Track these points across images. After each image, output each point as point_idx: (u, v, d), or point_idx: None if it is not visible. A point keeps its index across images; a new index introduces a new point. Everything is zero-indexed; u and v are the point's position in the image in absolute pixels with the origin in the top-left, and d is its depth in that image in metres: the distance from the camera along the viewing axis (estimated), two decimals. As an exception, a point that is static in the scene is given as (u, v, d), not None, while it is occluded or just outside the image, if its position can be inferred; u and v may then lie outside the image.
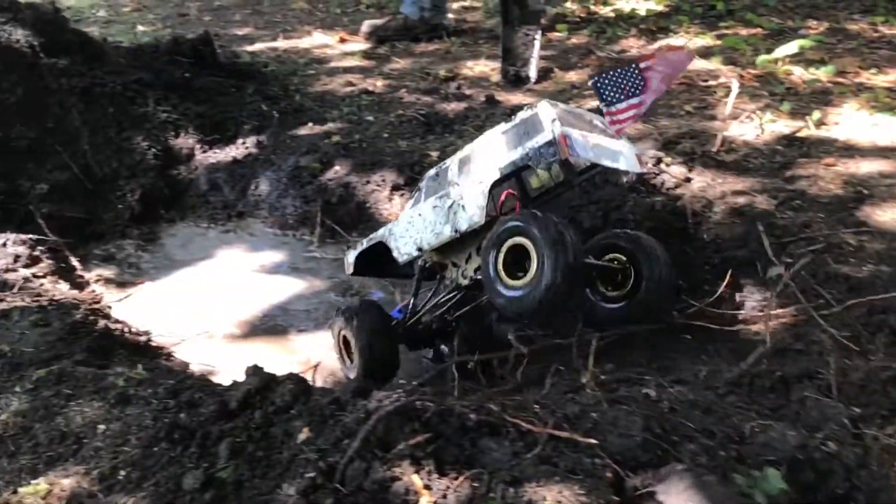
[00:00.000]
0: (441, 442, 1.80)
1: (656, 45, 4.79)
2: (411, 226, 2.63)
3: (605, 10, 5.62)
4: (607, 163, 2.39)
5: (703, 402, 2.06)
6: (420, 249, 2.61)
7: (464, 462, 1.77)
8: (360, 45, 5.33)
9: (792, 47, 4.07)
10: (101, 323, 2.67)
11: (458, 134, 3.80)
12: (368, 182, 3.53)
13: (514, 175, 2.41)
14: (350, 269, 2.89)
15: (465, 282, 2.60)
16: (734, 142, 3.35)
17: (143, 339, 2.78)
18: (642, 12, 5.44)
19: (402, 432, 1.81)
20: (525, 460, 1.74)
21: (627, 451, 1.76)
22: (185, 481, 1.85)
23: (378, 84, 4.56)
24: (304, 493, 1.70)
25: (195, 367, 2.74)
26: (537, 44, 4.37)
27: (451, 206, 2.50)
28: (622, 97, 2.36)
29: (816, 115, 3.42)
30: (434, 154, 3.54)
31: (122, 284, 3.33)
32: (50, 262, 3.15)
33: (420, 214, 2.60)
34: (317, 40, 5.48)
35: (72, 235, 3.49)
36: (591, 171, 2.56)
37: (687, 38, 4.81)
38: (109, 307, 3.00)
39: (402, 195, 3.48)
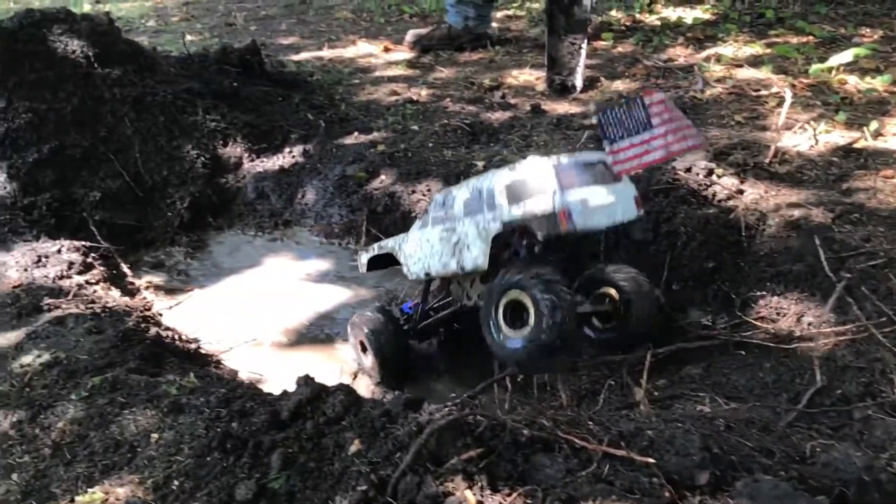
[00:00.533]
0: (493, 457, 1.78)
1: (704, 53, 4.72)
2: (420, 249, 2.69)
3: (651, 19, 5.56)
4: (604, 224, 2.36)
5: (761, 421, 2.02)
6: (427, 274, 2.68)
7: (517, 478, 1.74)
8: (404, 54, 5.35)
9: (846, 56, 3.98)
10: (153, 330, 2.70)
11: (504, 143, 3.78)
12: (414, 191, 3.53)
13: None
14: (363, 269, 3.01)
15: (469, 303, 2.67)
16: (787, 153, 3.28)
17: (192, 346, 2.82)
18: (689, 20, 5.37)
19: (454, 446, 1.79)
20: (579, 478, 1.71)
21: (685, 471, 1.72)
22: (238, 492, 1.86)
23: (422, 93, 4.57)
24: (357, 506, 1.70)
25: (244, 376, 2.76)
26: (583, 53, 4.33)
27: (456, 243, 2.53)
28: (624, 134, 2.29)
29: (874, 125, 3.33)
30: (480, 164, 3.52)
31: (171, 291, 3.37)
32: (102, 268, 3.21)
33: (428, 240, 2.64)
34: (361, 50, 5.51)
35: (123, 242, 3.55)
36: None
37: (736, 47, 4.73)
38: (160, 314, 3.04)
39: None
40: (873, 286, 2.40)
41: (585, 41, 4.34)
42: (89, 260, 3.18)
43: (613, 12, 5.77)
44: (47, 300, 2.77)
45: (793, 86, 3.94)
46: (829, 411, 2.05)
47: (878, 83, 3.86)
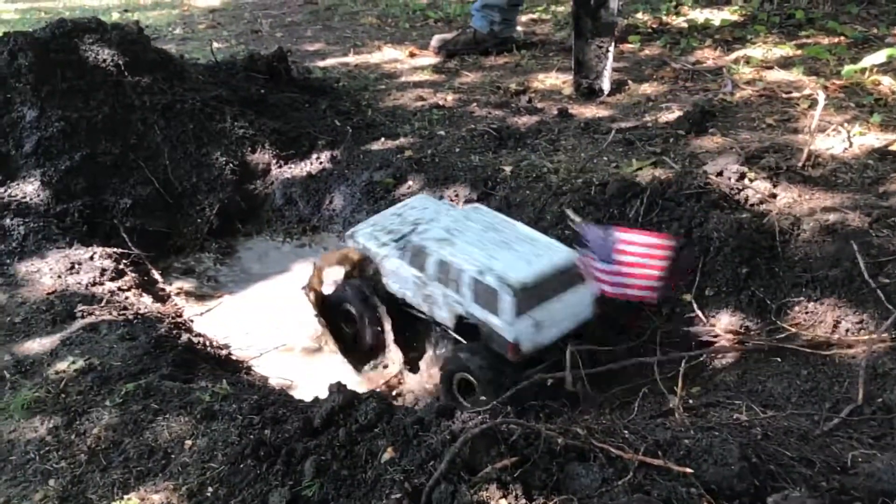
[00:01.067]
0: (528, 466, 1.76)
1: (733, 55, 4.67)
2: (398, 276, 2.79)
3: (678, 21, 5.51)
4: (554, 337, 2.50)
5: (799, 429, 1.98)
6: (403, 298, 2.82)
7: (552, 487, 1.73)
8: (429, 59, 5.35)
9: (880, 56, 3.90)
10: (184, 337, 2.72)
11: (531, 148, 3.76)
12: (441, 197, 3.52)
13: None
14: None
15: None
16: (821, 156, 3.23)
17: (224, 352, 2.83)
18: (717, 22, 5.31)
19: (488, 455, 1.78)
20: (616, 487, 1.69)
21: (723, 481, 1.69)
22: (272, 499, 1.86)
23: (448, 98, 4.56)
24: (391, 515, 1.69)
25: (274, 382, 2.77)
26: (610, 56, 4.30)
27: (428, 296, 2.68)
28: (594, 253, 2.31)
29: (910, 127, 3.27)
30: (507, 169, 3.51)
31: (201, 297, 3.39)
32: (134, 275, 3.24)
33: (405, 276, 2.75)
34: (387, 55, 5.52)
35: (153, 249, 3.58)
36: None
37: (765, 49, 4.67)
38: (191, 320, 3.06)
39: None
40: (913, 292, 2.35)
41: (612, 44, 4.31)
42: (121, 266, 3.21)
43: (639, 15, 5.73)
44: (81, 307, 2.80)
45: (825, 87, 3.89)
46: (869, 420, 2.01)
47: (914, 84, 3.80)
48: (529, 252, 2.52)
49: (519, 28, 5.47)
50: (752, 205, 2.95)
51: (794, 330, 2.44)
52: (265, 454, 1.97)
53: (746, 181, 3.05)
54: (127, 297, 3.00)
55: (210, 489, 1.91)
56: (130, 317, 2.77)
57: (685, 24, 5.40)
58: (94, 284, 3.01)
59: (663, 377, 2.45)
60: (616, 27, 4.39)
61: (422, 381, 2.80)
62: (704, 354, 2.46)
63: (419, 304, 2.74)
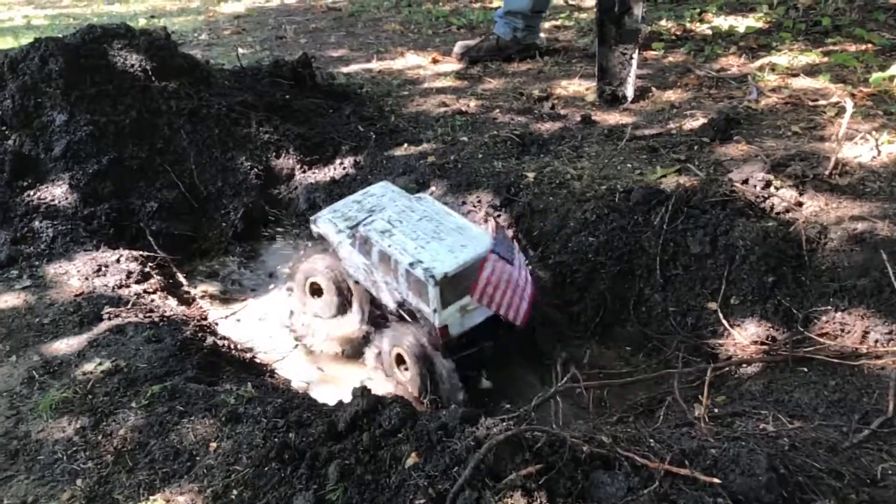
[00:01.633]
0: (553, 474, 1.76)
1: (758, 62, 4.63)
2: (351, 260, 2.97)
3: (702, 28, 5.48)
4: (481, 319, 2.71)
5: (828, 441, 1.96)
6: (357, 282, 3.00)
7: (577, 495, 1.72)
8: (452, 65, 5.36)
9: (908, 64, 3.87)
10: (209, 339, 2.74)
11: (555, 154, 3.75)
12: (464, 203, 3.53)
13: None
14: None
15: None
16: (848, 164, 3.19)
17: (248, 355, 2.85)
18: (741, 29, 5.27)
19: (513, 462, 1.78)
20: (641, 496, 1.68)
21: (751, 492, 1.67)
22: (296, 503, 1.87)
23: (471, 104, 4.57)
24: (416, 520, 1.69)
25: (297, 385, 2.78)
26: (634, 63, 4.29)
27: (374, 282, 2.88)
28: (505, 254, 2.51)
29: (940, 135, 3.23)
30: (531, 175, 3.51)
31: (225, 300, 3.42)
32: (159, 278, 3.27)
33: (356, 262, 2.93)
34: (410, 61, 5.54)
35: (178, 252, 3.61)
36: None
37: (791, 56, 4.63)
38: (216, 323, 3.09)
39: (498, 216, 3.46)
40: (944, 302, 2.32)
41: (636, 51, 4.30)
42: (147, 269, 3.24)
43: (663, 22, 5.71)
44: (108, 309, 2.83)
45: (852, 95, 3.85)
46: (899, 432, 1.98)
47: (943, 92, 3.75)
48: (456, 243, 2.69)
49: (542, 35, 5.46)
50: (777, 213, 2.92)
51: (821, 340, 2.42)
52: (289, 457, 1.98)
53: (772, 189, 3.02)
54: (153, 300, 3.03)
55: (235, 492, 1.92)
56: (156, 319, 2.80)
57: (709, 32, 5.37)
58: (120, 287, 3.05)
59: (687, 386, 2.44)
60: (640, 34, 4.37)
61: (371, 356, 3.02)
62: (729, 367, 2.44)
63: (370, 288, 2.94)
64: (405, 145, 4.10)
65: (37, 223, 3.42)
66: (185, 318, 2.88)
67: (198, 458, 2.07)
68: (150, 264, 3.31)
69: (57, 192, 3.59)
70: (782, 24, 5.23)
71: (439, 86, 4.99)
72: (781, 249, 2.74)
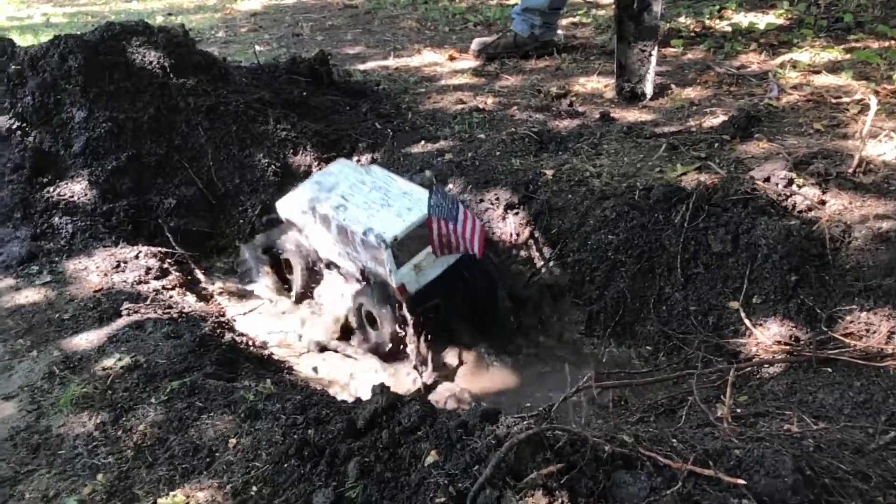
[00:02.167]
0: (574, 473, 1.74)
1: (779, 59, 4.58)
2: (315, 237, 3.25)
3: (722, 25, 5.43)
4: (437, 274, 3.00)
5: (853, 442, 1.93)
6: (328, 258, 3.28)
7: (598, 495, 1.70)
8: (469, 62, 5.34)
9: (933, 61, 3.81)
10: (228, 336, 2.74)
11: (573, 152, 3.73)
12: (482, 200, 3.51)
13: None
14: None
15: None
16: (872, 162, 3.15)
17: (265, 352, 2.85)
18: (762, 26, 5.22)
19: (534, 461, 1.76)
20: (664, 497, 1.66)
21: (776, 494, 1.65)
22: (315, 500, 1.86)
23: (489, 101, 4.55)
24: (436, 519, 1.68)
25: (315, 382, 2.78)
26: (653, 59, 4.25)
27: (338, 253, 3.16)
28: (442, 213, 2.77)
29: (966, 133, 3.18)
30: (549, 172, 3.48)
31: (242, 297, 3.42)
32: (178, 274, 3.28)
33: (319, 237, 3.22)
34: (426, 58, 5.53)
35: (196, 249, 3.62)
36: None
37: (812, 53, 4.58)
38: (234, 320, 3.09)
39: (515, 213, 3.44)
40: (972, 303, 2.28)
41: (655, 48, 4.26)
42: (165, 266, 3.25)
43: (682, 19, 5.66)
44: (126, 305, 2.84)
45: (876, 92, 3.80)
46: (926, 434, 1.95)
47: (969, 89, 3.69)
48: (403, 207, 2.96)
49: (559, 32, 5.44)
50: (800, 211, 2.89)
51: (846, 340, 2.38)
52: (309, 454, 1.97)
53: (794, 187, 2.99)
54: (171, 296, 3.04)
55: (254, 488, 1.92)
56: (175, 315, 2.80)
57: (729, 28, 5.32)
58: (139, 283, 3.06)
59: (709, 386, 2.41)
60: (659, 31, 4.34)
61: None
62: (751, 367, 2.41)
63: (335, 259, 3.22)
64: (422, 142, 4.09)
65: (56, 219, 3.44)
66: (203, 314, 2.88)
67: (217, 455, 2.07)
68: (168, 261, 3.33)
69: (76, 189, 3.61)
70: (803, 21, 5.17)
71: (456, 83, 4.98)
72: (804, 248, 2.70)
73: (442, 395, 2.83)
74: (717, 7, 5.74)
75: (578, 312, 3.03)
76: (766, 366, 2.43)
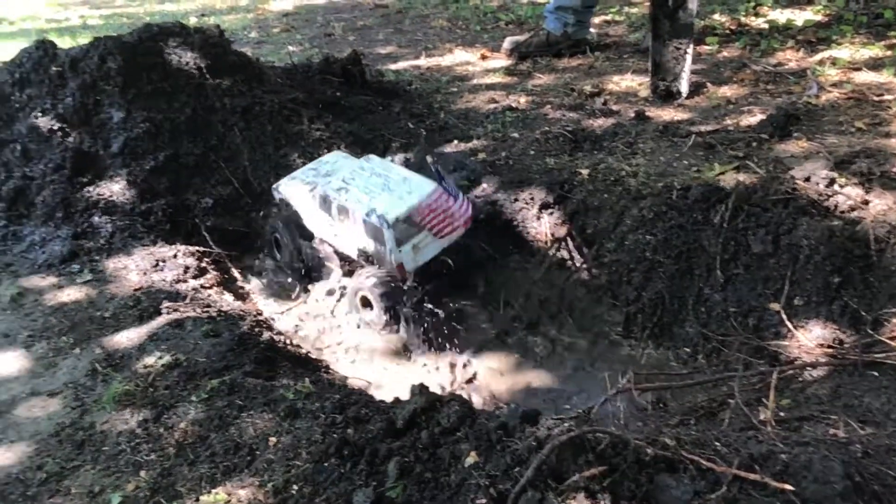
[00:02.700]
0: (616, 476, 1.73)
1: (817, 57, 4.51)
2: (313, 219, 3.38)
3: (758, 22, 5.36)
4: (434, 254, 3.18)
5: (902, 448, 1.89)
6: (322, 239, 3.42)
7: (641, 498, 1.68)
8: (501, 61, 5.33)
9: (979, 57, 3.73)
10: (266, 334, 2.76)
11: (608, 151, 3.70)
12: (517, 200, 3.50)
13: None
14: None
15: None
16: (917, 161, 3.09)
17: (303, 351, 2.86)
18: (799, 23, 5.14)
19: (575, 463, 1.75)
20: (708, 501, 1.64)
21: (825, 500, 1.62)
22: (356, 499, 1.87)
23: (521, 100, 4.53)
24: (478, 520, 1.68)
25: (352, 381, 2.79)
26: (688, 58, 4.21)
27: (336, 235, 3.29)
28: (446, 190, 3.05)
29: None
30: (584, 172, 3.46)
31: (278, 296, 3.44)
32: (215, 273, 3.31)
33: (319, 220, 3.34)
34: (458, 58, 5.52)
35: (232, 248, 3.65)
36: None
37: (852, 49, 4.50)
38: (272, 318, 3.11)
39: (550, 213, 3.43)
40: None
41: (691, 46, 4.21)
42: (203, 264, 3.28)
43: (717, 16, 5.59)
44: (166, 303, 2.87)
45: (919, 90, 3.72)
46: (978, 440, 1.90)
47: None
48: (403, 191, 3.10)
49: (592, 30, 5.40)
50: (842, 212, 2.84)
51: (893, 343, 2.33)
52: (349, 453, 1.98)
53: (836, 187, 2.94)
54: (209, 295, 3.07)
55: (295, 487, 1.93)
56: (213, 314, 2.83)
57: (765, 25, 5.25)
58: (177, 281, 3.09)
59: (750, 388, 2.38)
60: (694, 28, 4.29)
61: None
62: (794, 369, 2.37)
63: (332, 240, 3.34)
64: (455, 142, 4.09)
65: (96, 218, 3.49)
66: (241, 312, 2.90)
67: (258, 453, 2.08)
68: (205, 260, 3.35)
69: (115, 189, 3.66)
70: (842, 17, 5.08)
71: (488, 82, 4.97)
72: (848, 249, 2.65)
73: (477, 395, 2.82)
74: (753, 4, 5.66)
75: (615, 313, 3.00)
76: (809, 369, 2.39)
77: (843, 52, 4.51)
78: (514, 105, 4.47)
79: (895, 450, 1.86)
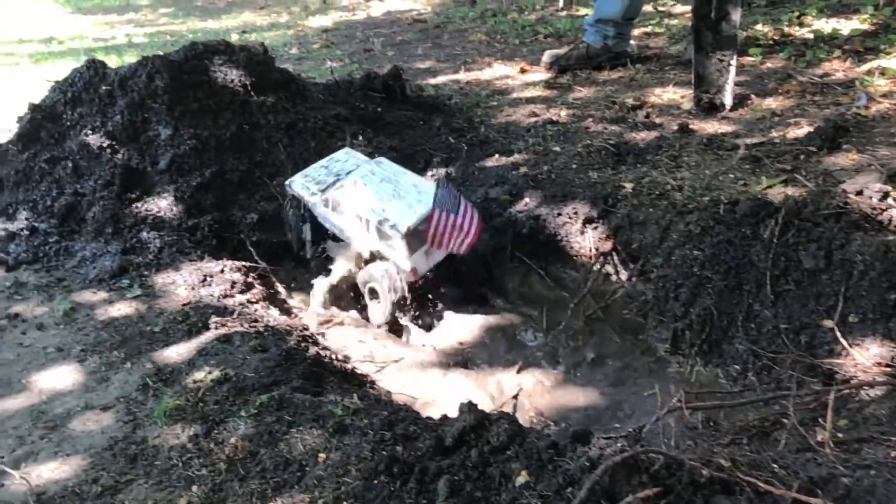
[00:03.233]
0: (671, 498, 1.70)
1: (865, 66, 4.43)
2: (325, 218, 3.50)
3: (802, 32, 5.28)
4: (441, 257, 3.29)
5: (968, 472, 1.83)
6: (334, 234, 3.56)
7: (697, 521, 1.66)
8: (541, 75, 5.33)
9: None
10: (312, 349, 2.78)
11: (652, 164, 3.67)
12: (560, 214, 3.48)
13: None
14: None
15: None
16: (973, 174, 3.01)
17: (348, 366, 2.87)
18: (845, 32, 5.06)
19: (629, 484, 1.72)
20: (767, 526, 1.61)
21: (890, 526, 1.58)
22: (407, 517, 1.87)
23: (562, 114, 4.52)
24: (532, 542, 1.66)
25: (398, 397, 2.79)
26: (732, 69, 4.17)
27: (348, 236, 3.43)
28: (446, 207, 3.02)
29: None
30: (628, 185, 3.44)
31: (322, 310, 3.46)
32: (261, 288, 3.35)
33: (330, 218, 3.47)
34: (497, 72, 5.54)
35: (276, 263, 3.69)
36: None
37: (901, 59, 4.41)
38: (319, 334, 3.13)
39: (594, 228, 3.40)
40: None
41: (734, 57, 4.17)
42: (249, 279, 3.32)
43: (759, 26, 5.53)
44: (214, 318, 2.91)
45: (973, 100, 3.63)
46: None
47: None
48: (413, 199, 3.20)
49: (632, 42, 5.37)
50: (896, 226, 2.77)
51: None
52: (399, 471, 1.98)
53: (890, 200, 2.87)
54: (256, 310, 3.10)
55: (345, 503, 1.93)
56: (261, 329, 2.85)
57: (810, 35, 5.17)
58: (225, 296, 3.13)
59: (803, 408, 2.32)
60: (737, 40, 4.24)
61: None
62: (852, 389, 2.31)
63: (343, 238, 3.48)
64: (496, 156, 4.09)
65: (145, 234, 3.56)
66: (287, 327, 2.93)
67: (307, 469, 2.09)
68: (251, 274, 3.39)
69: (163, 204, 3.72)
70: (890, 26, 4.99)
71: (528, 95, 4.97)
72: (904, 265, 2.58)
73: (522, 412, 2.80)
74: (797, 14, 5.59)
75: (662, 329, 2.96)
76: (866, 388, 2.33)
77: (893, 61, 4.42)
78: (554, 118, 4.46)
79: (961, 474, 1.80)
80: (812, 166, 3.36)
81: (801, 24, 5.43)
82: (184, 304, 3.05)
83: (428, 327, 3.39)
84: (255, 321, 2.92)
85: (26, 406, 2.55)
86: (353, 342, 3.17)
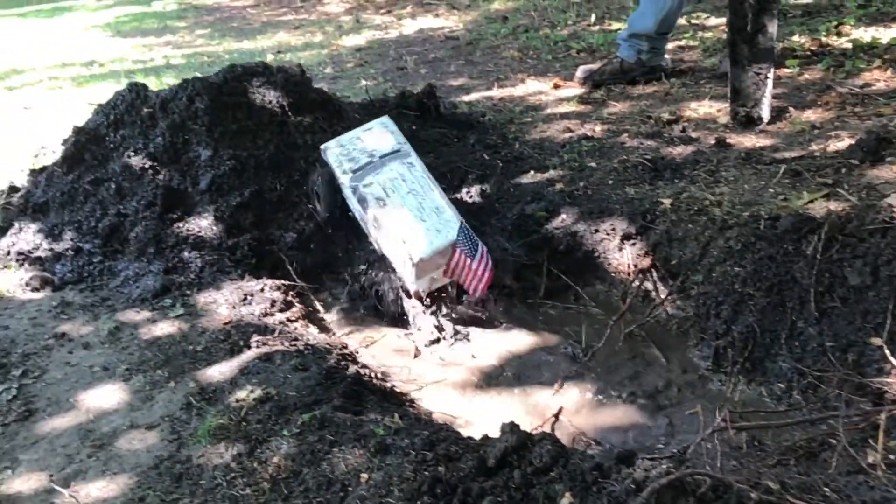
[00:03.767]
0: (719, 521, 1.68)
1: (907, 77, 4.35)
2: (350, 202, 3.66)
3: (840, 42, 5.21)
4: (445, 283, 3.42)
5: None
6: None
7: (746, 546, 1.63)
8: (574, 90, 5.32)
9: None
10: (352, 368, 2.80)
11: (690, 179, 3.64)
12: (597, 231, 3.47)
13: None
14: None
15: None
16: None
17: (388, 385, 2.89)
18: (885, 40, 4.98)
19: (676, 507, 1.71)
20: (819, 551, 1.58)
21: (948, 552, 1.54)
22: (451, 538, 1.87)
23: (597, 129, 4.51)
24: (580, 566, 1.65)
25: (438, 417, 2.79)
26: (769, 82, 4.12)
27: (368, 231, 3.61)
28: (464, 246, 3.17)
29: None
30: (666, 201, 3.41)
31: (361, 329, 3.49)
32: (300, 306, 3.38)
33: (354, 206, 3.66)
34: (530, 87, 5.54)
35: (314, 281, 3.72)
36: None
37: (945, 69, 4.33)
38: (357, 352, 3.15)
39: (633, 244, 3.38)
40: None
41: (771, 70, 4.13)
42: (289, 298, 3.36)
43: (796, 37, 5.47)
44: (255, 337, 2.94)
45: None
46: None
47: None
48: (433, 226, 3.31)
49: (667, 56, 5.35)
50: (945, 241, 2.71)
51: None
52: (441, 492, 1.98)
53: (937, 214, 2.81)
54: (296, 328, 3.13)
55: (389, 524, 1.93)
56: (301, 347, 2.88)
57: (848, 45, 5.10)
58: (265, 315, 3.17)
59: (852, 428, 2.28)
60: (774, 52, 4.20)
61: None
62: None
63: (363, 227, 3.65)
64: (531, 172, 4.09)
65: (186, 253, 3.62)
66: (327, 346, 2.95)
67: (350, 489, 2.10)
68: (291, 293, 3.43)
69: (203, 224, 3.79)
70: (932, 35, 4.90)
71: (562, 111, 4.97)
72: (954, 280, 2.53)
73: (565, 432, 2.79)
74: (835, 23, 5.52)
75: (704, 347, 2.93)
76: (916, 407, 2.27)
77: (935, 71, 4.35)
78: (589, 134, 4.45)
79: None
80: (854, 180, 3.31)
81: (839, 34, 5.36)
82: (225, 323, 3.09)
83: (465, 344, 3.38)
84: (296, 339, 2.95)
85: (74, 425, 2.60)
86: (391, 360, 3.19)
